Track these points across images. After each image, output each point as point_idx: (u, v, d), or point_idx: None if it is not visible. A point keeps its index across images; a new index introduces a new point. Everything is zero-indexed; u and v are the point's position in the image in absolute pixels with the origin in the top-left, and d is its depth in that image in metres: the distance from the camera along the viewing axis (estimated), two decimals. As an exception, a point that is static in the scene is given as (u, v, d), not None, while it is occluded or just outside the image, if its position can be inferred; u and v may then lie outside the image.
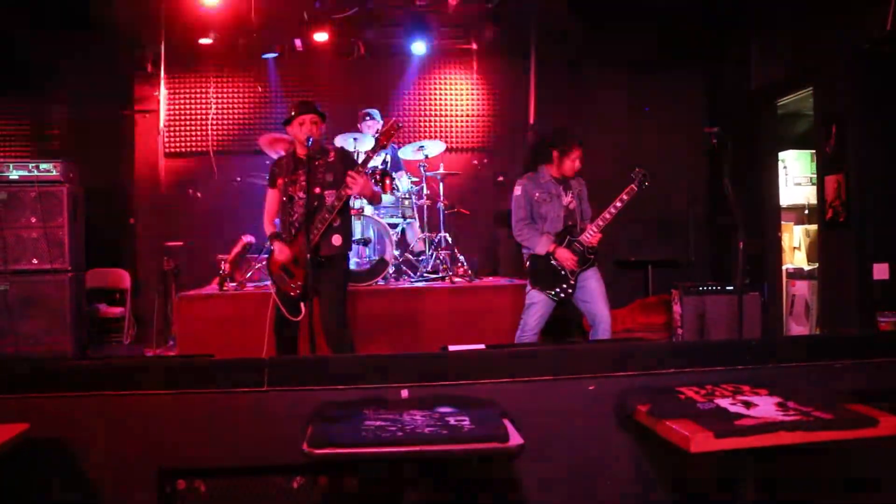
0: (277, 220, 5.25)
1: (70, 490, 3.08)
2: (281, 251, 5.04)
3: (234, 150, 8.76)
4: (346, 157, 5.32)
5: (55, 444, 3.04)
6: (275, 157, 7.21)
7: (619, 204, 5.38)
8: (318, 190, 5.03)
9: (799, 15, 7.28)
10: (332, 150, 5.27)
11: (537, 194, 5.50)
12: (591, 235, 5.44)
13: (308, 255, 4.81)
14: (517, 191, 5.57)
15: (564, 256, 5.40)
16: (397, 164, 7.85)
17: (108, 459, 3.10)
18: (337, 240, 5.05)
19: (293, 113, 5.09)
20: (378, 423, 2.73)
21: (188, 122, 8.76)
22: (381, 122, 7.85)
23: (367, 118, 7.85)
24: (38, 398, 3.09)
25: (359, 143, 7.44)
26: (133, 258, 8.40)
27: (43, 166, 6.59)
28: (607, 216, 5.41)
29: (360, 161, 5.23)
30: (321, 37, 8.17)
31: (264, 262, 6.89)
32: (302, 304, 5.00)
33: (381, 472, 3.07)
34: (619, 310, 7.91)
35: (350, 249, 5.33)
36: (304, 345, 4.95)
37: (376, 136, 5.97)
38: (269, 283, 5.37)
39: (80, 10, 7.35)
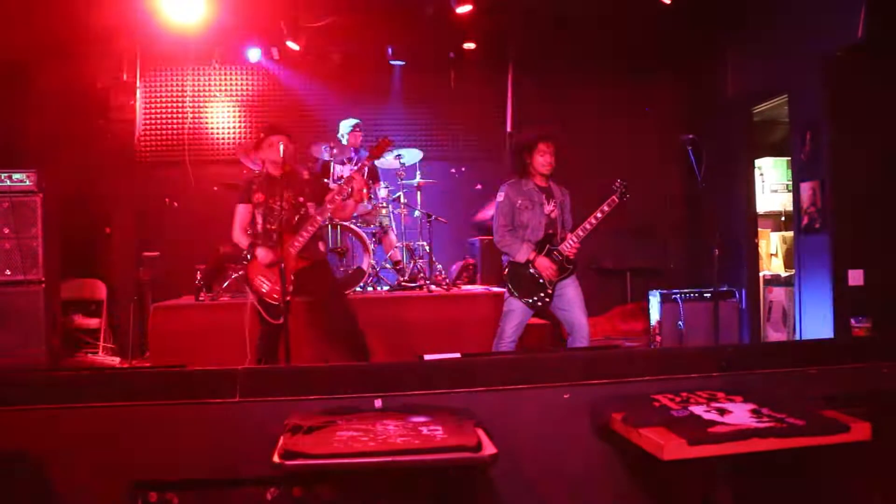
0: (250, 232, 5.34)
1: (39, 504, 3.04)
2: (265, 257, 5.11)
3: (211, 159, 8.71)
4: (317, 175, 5.75)
5: (22, 457, 2.99)
6: (251, 166, 7.18)
7: (599, 215, 5.39)
8: (301, 199, 5.18)
9: (773, 24, 7.34)
10: (304, 170, 5.49)
11: (520, 201, 5.49)
12: (570, 246, 5.44)
13: (298, 257, 5.05)
14: (500, 197, 5.56)
15: (543, 266, 5.39)
16: (375, 173, 7.83)
17: (79, 472, 3.05)
18: (322, 245, 5.34)
19: (261, 135, 5.29)
20: (350, 433, 2.71)
21: (164, 132, 8.70)
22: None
23: (357, 129, 7.83)
24: (4, 411, 3.05)
25: (336, 152, 7.41)
26: (109, 268, 8.32)
27: (16, 176, 6.51)
28: (588, 226, 5.41)
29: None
30: (295, 46, 8.13)
31: (241, 273, 6.88)
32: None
33: (355, 483, 3.05)
34: (599, 317, 7.94)
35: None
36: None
37: (365, 148, 6.07)
38: (248, 292, 5.35)
39: (56, 18, 7.28)
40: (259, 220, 5.23)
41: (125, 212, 8.50)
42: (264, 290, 5.13)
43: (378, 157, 5.43)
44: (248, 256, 5.20)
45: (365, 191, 7.18)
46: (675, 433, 2.67)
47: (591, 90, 8.96)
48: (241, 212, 5.32)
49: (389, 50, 8.68)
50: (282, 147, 5.05)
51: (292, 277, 5.04)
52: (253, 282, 5.17)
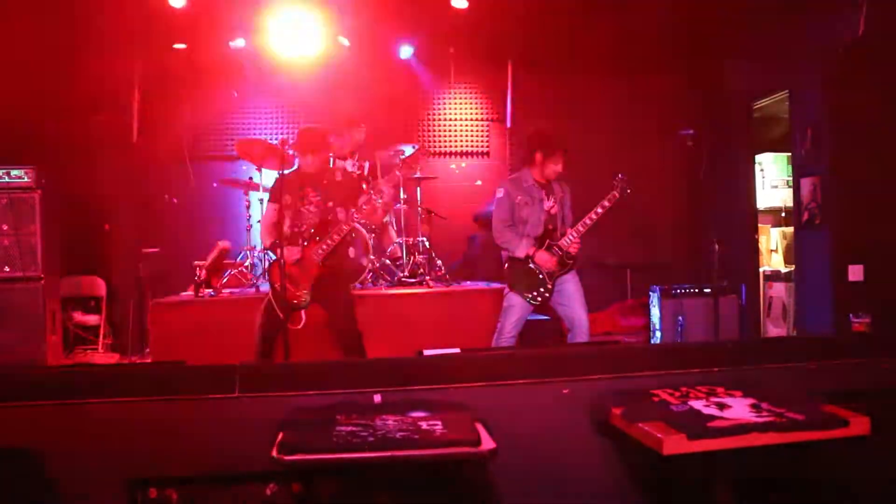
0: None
1: (37, 502, 3.03)
2: (287, 258, 5.05)
3: (211, 155, 8.68)
4: (351, 176, 5.69)
5: (22, 453, 2.99)
6: (252, 164, 7.19)
7: (600, 210, 5.38)
8: (330, 203, 5.18)
9: (774, 19, 7.32)
10: (337, 170, 5.55)
11: (519, 197, 5.49)
12: (570, 241, 5.43)
13: (321, 265, 5.06)
14: (500, 193, 5.56)
15: (543, 259, 5.39)
16: (375, 170, 7.81)
17: (77, 469, 3.05)
18: (352, 252, 5.42)
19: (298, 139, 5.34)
20: (349, 428, 2.70)
21: (164, 127, 8.66)
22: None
23: (360, 126, 7.81)
24: (3, 407, 3.04)
25: (336, 148, 7.37)
26: (108, 265, 8.30)
27: (14, 172, 6.49)
28: (588, 222, 5.40)
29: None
30: (294, 41, 8.10)
31: (241, 269, 6.89)
32: (302, 313, 5.18)
33: (354, 478, 3.04)
34: (599, 313, 7.93)
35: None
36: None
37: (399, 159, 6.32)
38: (266, 289, 5.47)
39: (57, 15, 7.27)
40: (287, 222, 5.22)
41: (124, 208, 8.48)
42: (285, 294, 5.06)
43: (413, 166, 5.48)
44: (271, 255, 5.29)
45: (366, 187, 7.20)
46: (675, 428, 2.67)
47: (591, 86, 8.93)
48: (271, 211, 5.33)
49: (391, 46, 8.65)
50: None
51: (311, 283, 5.07)
52: (275, 282, 5.12)
